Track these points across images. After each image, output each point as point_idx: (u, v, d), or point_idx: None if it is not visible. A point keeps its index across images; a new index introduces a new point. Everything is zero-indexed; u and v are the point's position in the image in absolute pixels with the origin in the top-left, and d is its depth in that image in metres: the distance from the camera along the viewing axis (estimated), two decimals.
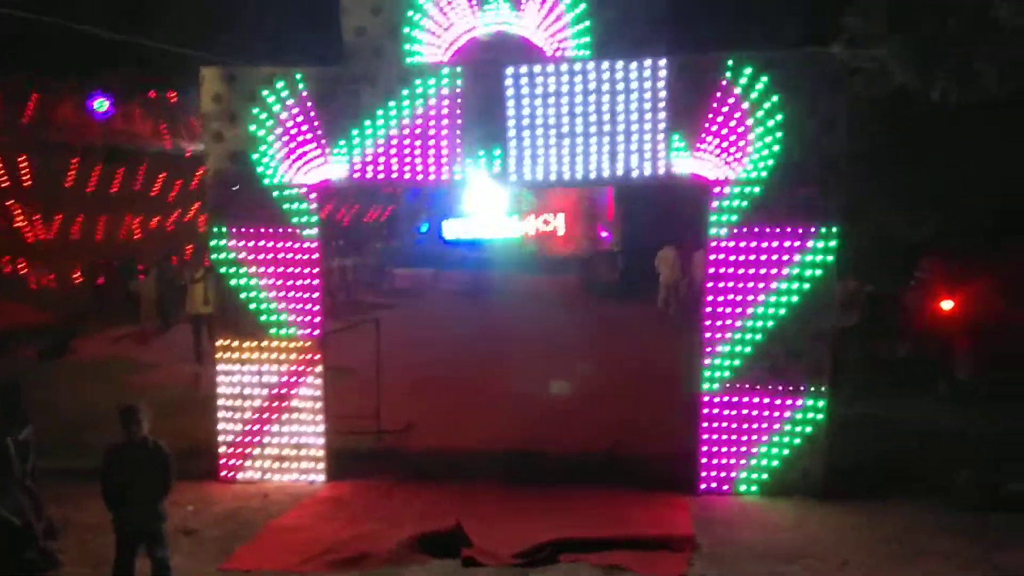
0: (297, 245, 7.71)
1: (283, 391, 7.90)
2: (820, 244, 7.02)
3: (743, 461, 7.37)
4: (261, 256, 7.75)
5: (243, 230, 7.73)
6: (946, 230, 10.39)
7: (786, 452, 7.29)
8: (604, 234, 21.35)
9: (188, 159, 20.79)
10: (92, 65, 18.31)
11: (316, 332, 7.84)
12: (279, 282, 7.77)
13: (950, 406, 9.71)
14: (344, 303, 18.36)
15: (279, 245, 7.72)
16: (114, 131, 18.55)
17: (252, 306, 7.81)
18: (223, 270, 7.83)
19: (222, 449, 8.00)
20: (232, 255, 7.77)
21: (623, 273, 19.68)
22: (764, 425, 7.29)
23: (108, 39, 16.40)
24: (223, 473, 7.98)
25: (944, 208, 9.79)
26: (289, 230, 7.69)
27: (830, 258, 7.04)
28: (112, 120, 18.53)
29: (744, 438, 7.34)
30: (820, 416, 7.21)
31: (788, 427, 7.26)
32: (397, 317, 13.53)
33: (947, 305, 10.58)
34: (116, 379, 12.14)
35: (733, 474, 7.41)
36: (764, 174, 7.02)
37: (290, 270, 7.74)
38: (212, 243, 7.85)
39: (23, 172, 16.46)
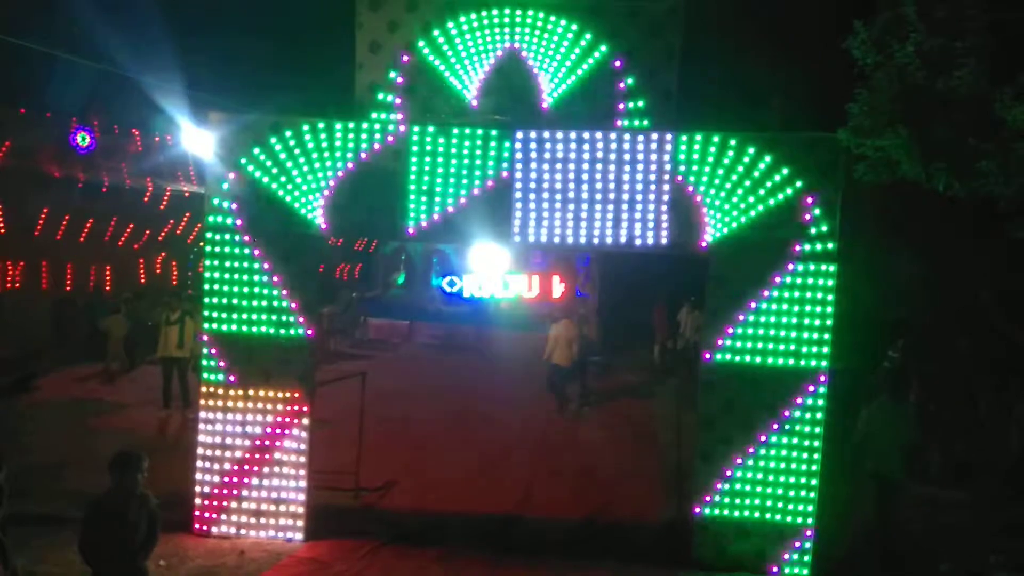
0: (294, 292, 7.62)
1: (266, 443, 7.67)
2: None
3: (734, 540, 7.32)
4: (256, 301, 7.63)
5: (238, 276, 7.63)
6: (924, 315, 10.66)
7: (778, 532, 7.26)
8: (582, 294, 21.49)
9: (168, 198, 20.56)
10: (76, 100, 18.18)
11: (307, 382, 7.67)
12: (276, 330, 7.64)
13: (939, 488, 9.75)
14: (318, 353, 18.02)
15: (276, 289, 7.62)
16: (95, 166, 18.27)
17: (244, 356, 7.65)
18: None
19: (198, 501, 7.70)
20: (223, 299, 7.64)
21: (599, 334, 19.73)
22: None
23: (94, 74, 16.36)
24: (197, 526, 7.66)
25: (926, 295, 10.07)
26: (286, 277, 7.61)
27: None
28: (93, 155, 18.27)
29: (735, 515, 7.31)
30: (813, 495, 7.22)
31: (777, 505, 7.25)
32: (373, 369, 13.26)
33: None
34: (81, 420, 11.67)
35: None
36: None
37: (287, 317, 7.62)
38: (205, 287, 7.71)
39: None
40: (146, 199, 19.67)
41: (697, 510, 7.32)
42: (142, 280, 19.53)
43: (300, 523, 7.66)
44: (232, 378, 7.62)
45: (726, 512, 7.26)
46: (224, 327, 7.64)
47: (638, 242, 7.31)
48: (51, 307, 17.71)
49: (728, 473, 7.23)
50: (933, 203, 7.54)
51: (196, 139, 10.52)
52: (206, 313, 7.72)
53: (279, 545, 7.53)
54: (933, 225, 8.77)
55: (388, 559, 7.35)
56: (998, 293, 8.79)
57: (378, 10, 7.59)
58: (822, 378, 7.15)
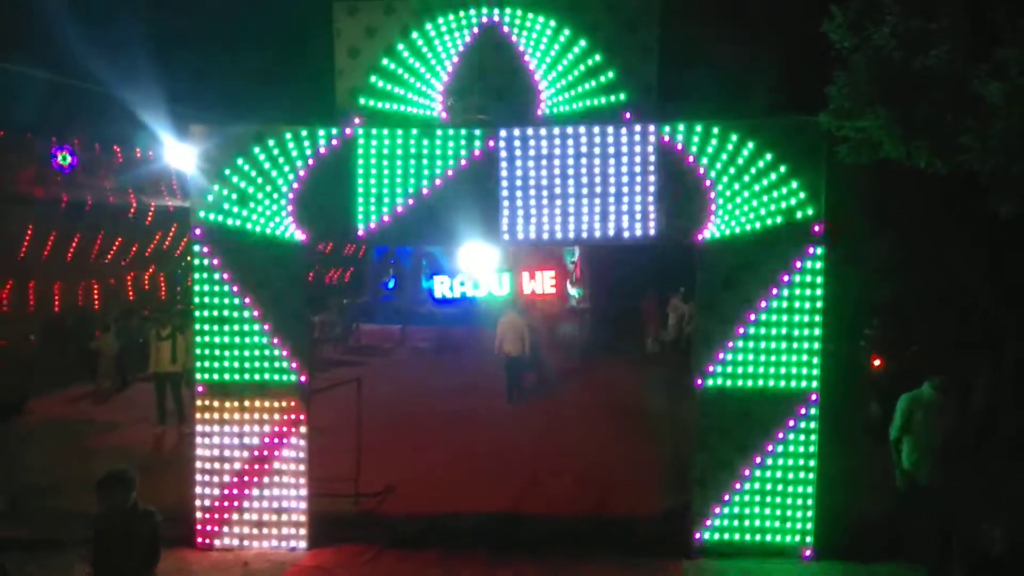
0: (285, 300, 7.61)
1: (265, 453, 7.65)
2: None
3: (735, 522, 7.36)
4: (246, 311, 7.61)
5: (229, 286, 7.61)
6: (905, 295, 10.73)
7: (779, 511, 7.30)
8: (573, 292, 21.56)
9: (152, 214, 20.46)
10: (57, 117, 18.07)
11: (302, 392, 7.66)
12: (264, 339, 7.62)
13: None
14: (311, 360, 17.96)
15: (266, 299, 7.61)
16: (77, 185, 18.17)
17: (235, 364, 7.63)
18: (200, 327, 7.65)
19: (199, 514, 7.67)
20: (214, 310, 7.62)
21: (591, 330, 19.84)
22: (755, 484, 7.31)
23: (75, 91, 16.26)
24: (200, 540, 7.63)
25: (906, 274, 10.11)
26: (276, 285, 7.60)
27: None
28: (75, 174, 18.16)
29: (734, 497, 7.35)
30: (811, 475, 7.27)
31: (779, 486, 7.30)
32: (367, 375, 13.31)
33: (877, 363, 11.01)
34: (75, 441, 11.60)
35: (725, 535, 7.38)
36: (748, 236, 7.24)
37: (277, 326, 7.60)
38: (195, 300, 7.68)
39: None
40: (131, 215, 19.58)
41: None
42: (130, 297, 19.46)
43: (303, 531, 7.65)
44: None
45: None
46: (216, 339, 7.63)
47: (626, 235, 7.34)
48: (40, 329, 17.60)
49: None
50: (917, 182, 7.59)
51: (179, 153, 10.45)
52: (196, 327, 7.70)
53: (283, 555, 7.51)
54: (917, 205, 8.83)
55: (390, 563, 7.35)
56: (982, 274, 8.84)
57: (355, 15, 7.57)
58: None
